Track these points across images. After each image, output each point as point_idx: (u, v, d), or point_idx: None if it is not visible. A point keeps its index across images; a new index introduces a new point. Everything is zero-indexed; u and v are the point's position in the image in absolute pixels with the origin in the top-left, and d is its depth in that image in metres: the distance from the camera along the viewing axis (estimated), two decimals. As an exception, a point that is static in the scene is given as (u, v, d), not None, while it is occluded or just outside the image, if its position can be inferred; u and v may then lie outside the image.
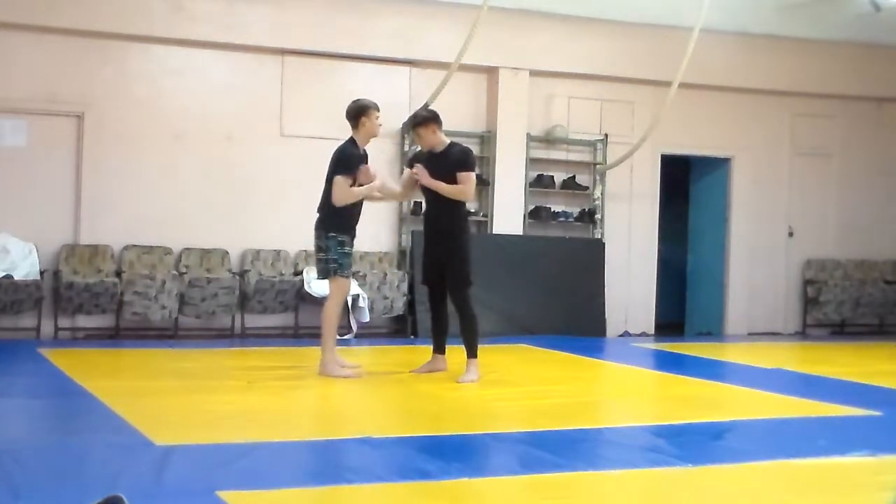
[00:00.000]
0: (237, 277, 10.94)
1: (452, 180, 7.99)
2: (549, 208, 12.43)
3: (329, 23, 11.46)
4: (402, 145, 11.65)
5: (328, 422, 6.88)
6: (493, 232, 12.04)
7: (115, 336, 10.63)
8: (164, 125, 11.03)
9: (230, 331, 11.06)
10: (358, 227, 8.24)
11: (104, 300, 10.38)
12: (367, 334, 11.25)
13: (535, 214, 12.33)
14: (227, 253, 11.15)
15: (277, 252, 11.36)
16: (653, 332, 12.91)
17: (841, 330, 13.68)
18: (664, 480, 5.15)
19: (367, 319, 11.09)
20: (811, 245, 13.68)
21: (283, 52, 11.43)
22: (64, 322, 10.55)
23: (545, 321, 11.90)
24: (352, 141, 8.13)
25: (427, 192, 8.15)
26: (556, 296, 12.02)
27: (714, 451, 5.89)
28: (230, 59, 11.38)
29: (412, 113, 8.42)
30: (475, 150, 12.01)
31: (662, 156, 12.93)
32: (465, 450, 5.79)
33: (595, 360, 10.25)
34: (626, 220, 12.81)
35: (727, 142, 13.30)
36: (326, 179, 8.08)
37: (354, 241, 8.20)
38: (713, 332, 13.31)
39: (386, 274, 11.40)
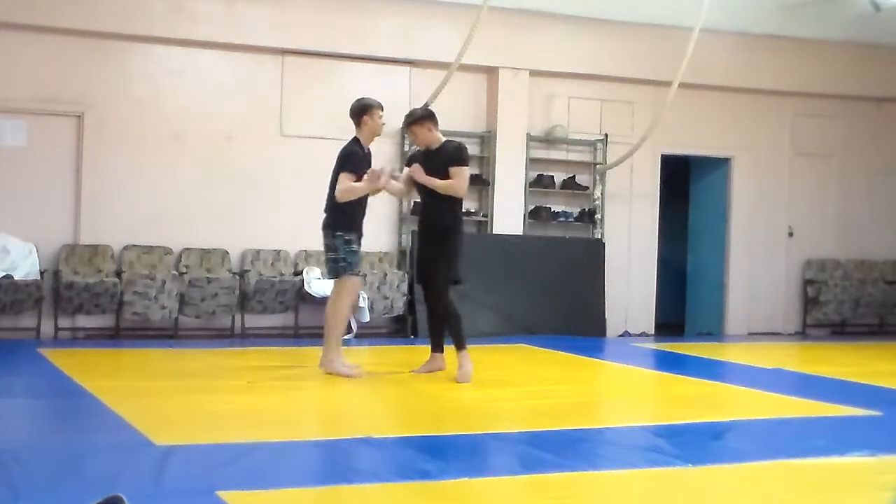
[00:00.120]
0: (237, 277, 10.94)
1: (447, 177, 8.03)
2: (549, 208, 12.43)
3: (329, 23, 11.46)
4: (402, 145, 11.65)
5: (328, 422, 6.88)
6: (493, 232, 12.04)
7: (115, 336, 10.63)
8: (164, 125, 11.03)
9: (230, 331, 11.06)
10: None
11: (104, 300, 10.38)
12: (367, 334, 11.25)
13: (535, 214, 12.33)
14: (227, 253, 11.15)
15: (277, 252, 11.36)
16: (653, 332, 12.91)
17: (841, 330, 13.67)
18: (664, 480, 5.15)
19: (367, 319, 11.09)
20: (811, 245, 13.68)
21: (283, 52, 11.43)
22: (64, 322, 10.55)
23: (545, 321, 11.91)
24: (355, 140, 8.19)
25: (421, 189, 8.19)
26: (556, 296, 12.02)
27: (714, 451, 5.89)
28: (230, 59, 11.38)
29: (407, 111, 8.42)
30: (475, 150, 12.07)
31: (662, 156, 12.93)
32: (465, 450, 5.80)
33: (595, 360, 10.25)
34: (626, 220, 12.81)
35: (727, 142, 13.30)
36: (331, 179, 8.12)
37: (362, 241, 8.24)
38: (713, 332, 13.31)
39: (386, 274, 11.41)
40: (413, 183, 8.23)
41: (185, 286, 10.62)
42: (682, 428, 6.48)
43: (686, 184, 13.74)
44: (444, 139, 8.23)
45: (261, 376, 8.15)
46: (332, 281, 8.37)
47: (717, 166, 13.42)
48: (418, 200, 8.80)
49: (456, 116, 11.69)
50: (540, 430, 6.30)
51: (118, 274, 10.63)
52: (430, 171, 8.05)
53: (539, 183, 12.37)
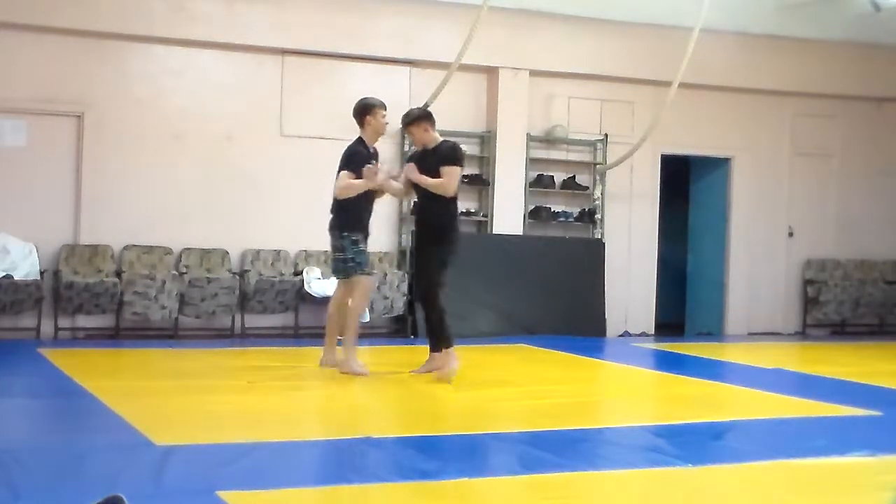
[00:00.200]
0: (237, 277, 10.93)
1: (439, 176, 8.03)
2: (549, 208, 12.43)
3: (329, 23, 11.46)
4: (403, 145, 11.64)
5: (328, 422, 6.88)
6: (493, 232, 12.04)
7: (115, 336, 10.63)
8: (164, 125, 11.03)
9: (230, 331, 11.06)
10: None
11: (104, 300, 10.38)
12: (367, 334, 11.21)
13: (535, 214, 12.33)
14: (227, 253, 11.15)
15: (277, 252, 11.36)
16: (653, 332, 12.91)
17: (841, 330, 13.67)
18: (664, 480, 5.15)
19: (367, 319, 11.06)
20: (811, 245, 13.68)
21: (283, 52, 11.43)
22: (64, 322, 10.55)
23: (545, 321, 11.90)
24: (360, 140, 8.25)
25: (417, 189, 8.23)
26: (556, 296, 12.02)
27: (714, 451, 5.89)
28: (230, 59, 11.37)
29: (405, 111, 8.44)
30: (475, 150, 12.07)
31: (662, 156, 12.92)
32: (465, 450, 5.80)
33: (595, 360, 10.25)
34: (626, 220, 12.81)
35: (727, 142, 13.30)
36: (335, 179, 8.16)
37: (368, 240, 8.33)
38: (713, 332, 13.31)
39: (386, 274, 11.40)
40: (412, 183, 8.25)
41: (185, 286, 10.62)
42: (682, 428, 6.48)
43: (686, 184, 13.73)
44: (441, 139, 8.25)
45: (261, 376, 8.15)
46: (335, 281, 8.40)
47: (717, 166, 13.42)
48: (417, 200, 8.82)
49: (456, 116, 11.70)
50: (540, 430, 6.30)
51: (118, 274, 10.63)
52: (424, 171, 8.07)
53: (539, 183, 12.37)
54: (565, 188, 12.52)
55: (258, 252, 11.28)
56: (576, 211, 12.56)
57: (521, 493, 4.88)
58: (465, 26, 10.74)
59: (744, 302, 13.35)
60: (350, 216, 8.15)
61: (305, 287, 11.01)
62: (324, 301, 10.83)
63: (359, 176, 8.03)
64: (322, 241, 10.99)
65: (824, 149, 13.75)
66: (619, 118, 12.65)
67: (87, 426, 6.22)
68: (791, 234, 13.60)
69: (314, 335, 10.73)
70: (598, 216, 12.51)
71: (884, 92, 13.71)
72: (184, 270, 10.87)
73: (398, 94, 11.55)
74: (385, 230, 11.74)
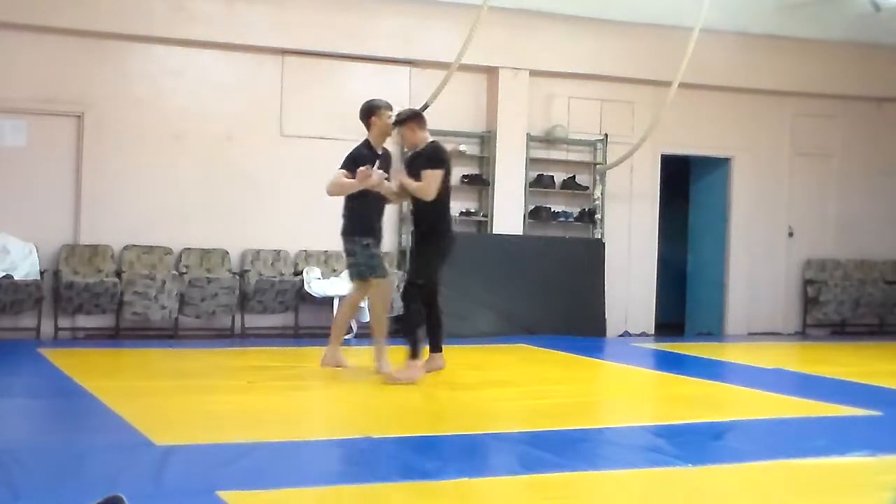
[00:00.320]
0: (237, 277, 10.93)
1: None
2: (549, 208, 12.42)
3: (329, 23, 11.46)
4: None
5: (328, 422, 6.88)
6: (493, 232, 12.03)
7: (115, 336, 10.63)
8: (164, 125, 11.03)
9: (230, 331, 11.06)
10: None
11: (104, 300, 10.38)
12: (368, 334, 11.21)
13: (535, 214, 12.33)
14: (227, 253, 11.15)
15: (277, 252, 11.36)
16: (653, 332, 12.91)
17: (841, 330, 13.67)
18: (664, 480, 5.15)
19: (367, 319, 11.06)
20: (811, 245, 13.68)
21: (283, 52, 11.43)
22: (64, 322, 10.55)
23: (545, 321, 11.90)
24: (366, 142, 8.27)
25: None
26: (556, 296, 12.01)
27: (714, 451, 5.90)
28: (230, 59, 11.37)
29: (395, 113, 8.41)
30: (475, 150, 12.07)
31: (662, 156, 12.92)
32: (465, 450, 5.80)
33: (595, 360, 10.25)
34: (626, 220, 12.81)
35: (727, 142, 13.30)
36: None
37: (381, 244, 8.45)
38: (713, 332, 13.31)
39: (386, 274, 11.39)
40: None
41: (185, 286, 10.62)
42: (682, 428, 6.48)
43: (686, 184, 13.73)
44: (430, 140, 8.20)
45: (261, 376, 8.15)
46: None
47: (717, 166, 13.42)
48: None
49: (456, 116, 11.70)
50: (540, 430, 6.30)
51: (118, 274, 10.63)
52: (412, 173, 8.05)
53: (539, 183, 12.37)
54: (565, 188, 12.51)
55: (258, 252, 11.28)
56: (576, 211, 12.56)
57: (521, 493, 4.88)
58: (465, 26, 10.73)
59: (744, 302, 13.35)
60: (360, 221, 8.21)
61: (305, 287, 11.01)
62: (324, 301, 10.86)
63: (354, 176, 8.03)
64: (322, 241, 11.09)
65: (824, 149, 13.75)
66: (619, 118, 12.65)
67: (87, 426, 6.22)
68: (791, 234, 13.60)
69: (314, 335, 10.75)
70: (598, 216, 12.50)
71: (884, 92, 13.71)
72: (184, 270, 10.87)
73: (398, 94, 11.51)
74: (385, 230, 11.68)
